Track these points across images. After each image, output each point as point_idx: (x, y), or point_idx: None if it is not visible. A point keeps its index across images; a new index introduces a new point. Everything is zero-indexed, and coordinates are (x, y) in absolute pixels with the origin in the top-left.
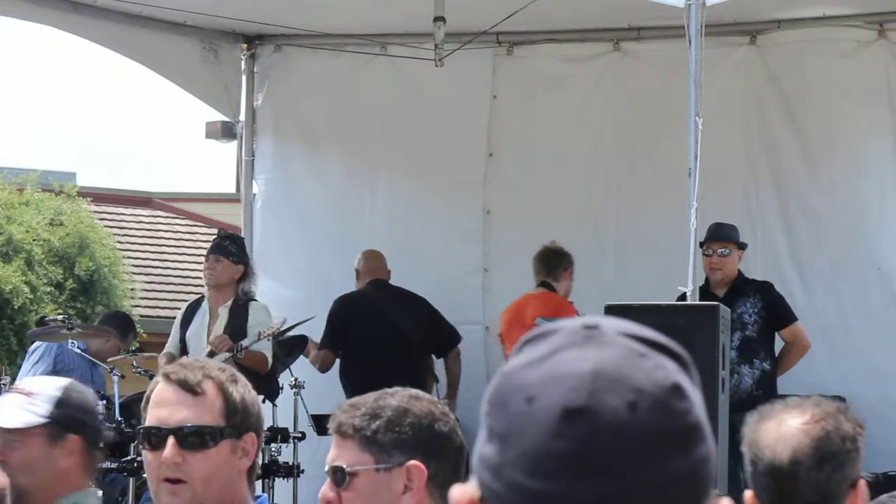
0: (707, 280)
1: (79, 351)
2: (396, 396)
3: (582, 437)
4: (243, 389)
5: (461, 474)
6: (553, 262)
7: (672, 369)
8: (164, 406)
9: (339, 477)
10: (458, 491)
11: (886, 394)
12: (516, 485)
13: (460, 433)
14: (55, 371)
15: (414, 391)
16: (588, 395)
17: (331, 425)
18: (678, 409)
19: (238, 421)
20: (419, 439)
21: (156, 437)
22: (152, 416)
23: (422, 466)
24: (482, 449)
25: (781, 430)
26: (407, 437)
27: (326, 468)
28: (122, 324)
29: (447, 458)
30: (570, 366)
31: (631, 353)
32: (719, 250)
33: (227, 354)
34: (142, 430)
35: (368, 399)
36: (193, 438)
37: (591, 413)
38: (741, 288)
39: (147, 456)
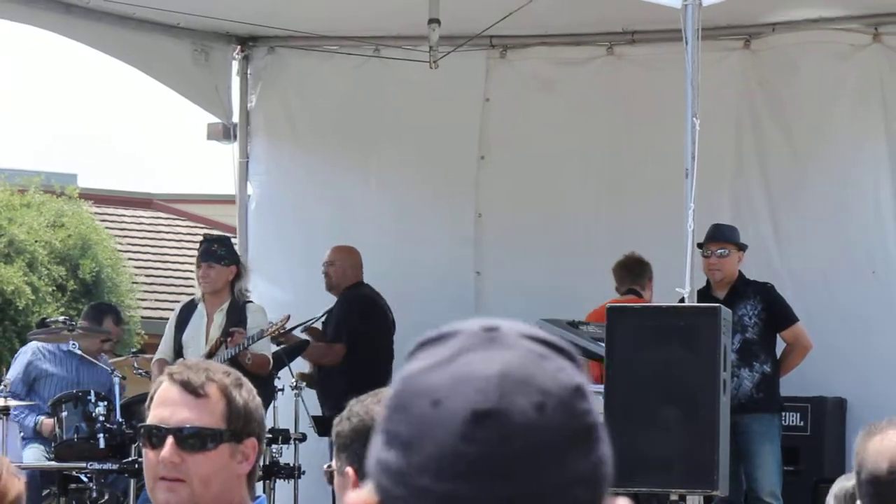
0: (708, 282)
1: (79, 352)
2: (366, 401)
3: (491, 439)
4: (247, 394)
5: None
6: (639, 271)
7: (571, 371)
8: (166, 406)
9: (329, 478)
10: (353, 497)
11: (885, 394)
12: (423, 489)
13: None
14: (30, 378)
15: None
16: (497, 398)
17: None
18: (581, 410)
19: (240, 425)
20: (356, 445)
21: (156, 437)
22: (154, 415)
23: (351, 473)
24: (380, 454)
25: (884, 443)
26: (346, 441)
27: None
28: (94, 313)
29: None
30: (476, 368)
31: (532, 355)
32: (718, 251)
33: (233, 353)
34: (142, 429)
35: (352, 402)
36: (193, 440)
37: (500, 415)
38: (741, 289)
39: (147, 454)
